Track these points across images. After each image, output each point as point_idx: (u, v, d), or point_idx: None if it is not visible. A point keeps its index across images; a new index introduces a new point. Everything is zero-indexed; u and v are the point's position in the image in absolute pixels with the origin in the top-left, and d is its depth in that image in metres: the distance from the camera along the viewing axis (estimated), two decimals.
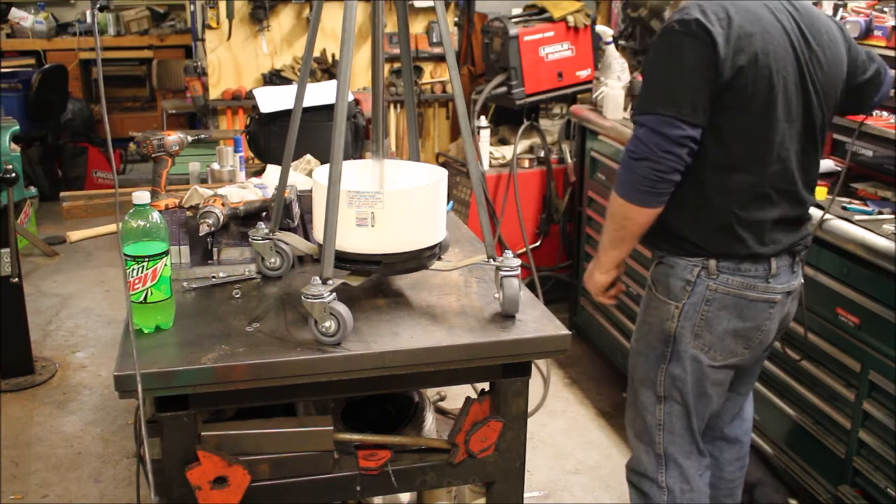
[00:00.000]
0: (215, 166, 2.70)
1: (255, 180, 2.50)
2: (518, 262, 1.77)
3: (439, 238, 1.83)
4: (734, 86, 1.80)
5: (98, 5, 1.40)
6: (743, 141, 1.86)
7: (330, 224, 1.63)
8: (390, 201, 1.70)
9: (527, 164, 4.20)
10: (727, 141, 1.85)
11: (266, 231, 1.94)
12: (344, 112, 1.64)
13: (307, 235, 2.12)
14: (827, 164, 2.64)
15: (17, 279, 3.51)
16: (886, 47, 2.56)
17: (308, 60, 1.89)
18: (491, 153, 4.18)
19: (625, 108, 3.61)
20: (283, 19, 4.56)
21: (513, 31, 4.03)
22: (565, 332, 1.72)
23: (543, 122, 4.44)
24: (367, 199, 1.69)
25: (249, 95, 4.34)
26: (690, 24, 1.77)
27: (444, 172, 1.86)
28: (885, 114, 2.51)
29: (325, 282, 1.64)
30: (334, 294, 1.62)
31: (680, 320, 1.97)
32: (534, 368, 1.85)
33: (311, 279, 1.63)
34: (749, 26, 1.79)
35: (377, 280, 1.95)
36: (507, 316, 1.76)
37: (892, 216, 2.29)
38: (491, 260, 1.82)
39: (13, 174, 3.32)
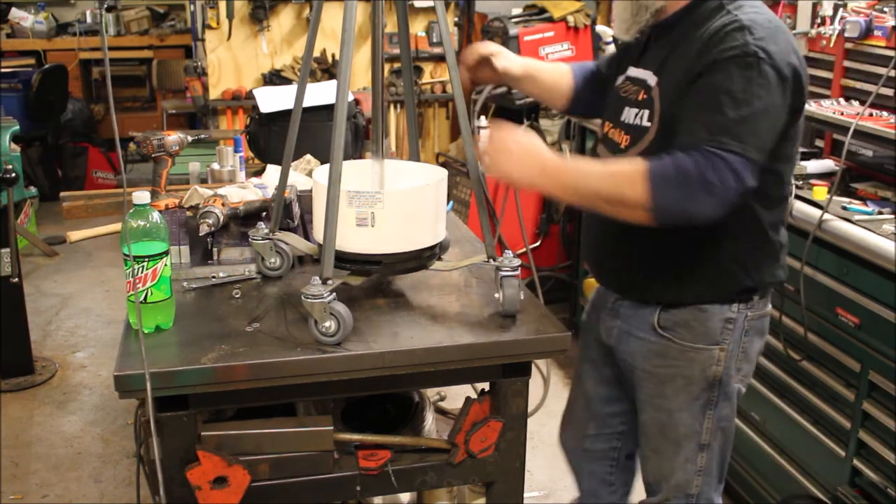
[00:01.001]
0: (215, 166, 2.70)
1: (255, 180, 2.50)
2: (518, 261, 1.77)
3: (439, 238, 1.82)
4: (796, 124, 1.73)
5: (105, 5, 1.40)
6: (790, 172, 1.81)
7: (330, 224, 1.63)
8: (390, 201, 1.70)
9: None
10: (784, 176, 1.78)
11: (266, 231, 1.94)
12: (344, 112, 1.64)
13: (307, 235, 2.12)
14: (826, 164, 2.64)
15: (17, 279, 3.51)
16: (886, 47, 2.56)
17: (308, 60, 1.90)
18: None
19: None
20: (283, 19, 4.56)
21: (513, 31, 4.03)
22: (565, 332, 1.72)
23: (543, 122, 4.44)
24: (367, 199, 1.69)
25: (249, 95, 4.34)
26: (783, 66, 1.60)
27: (444, 172, 1.86)
28: (885, 114, 2.51)
29: (324, 282, 1.64)
30: (334, 294, 1.62)
31: (726, 361, 1.83)
32: (534, 368, 1.85)
33: (310, 279, 1.63)
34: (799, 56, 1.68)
35: (377, 280, 1.95)
36: (506, 316, 1.76)
37: (892, 216, 2.29)
38: (491, 260, 1.81)
39: (13, 174, 3.32)
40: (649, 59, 1.81)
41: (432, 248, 1.80)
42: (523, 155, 1.66)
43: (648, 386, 1.90)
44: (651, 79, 1.76)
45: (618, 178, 1.61)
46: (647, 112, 1.75)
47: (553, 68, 2.13)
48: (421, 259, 1.78)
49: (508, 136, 1.67)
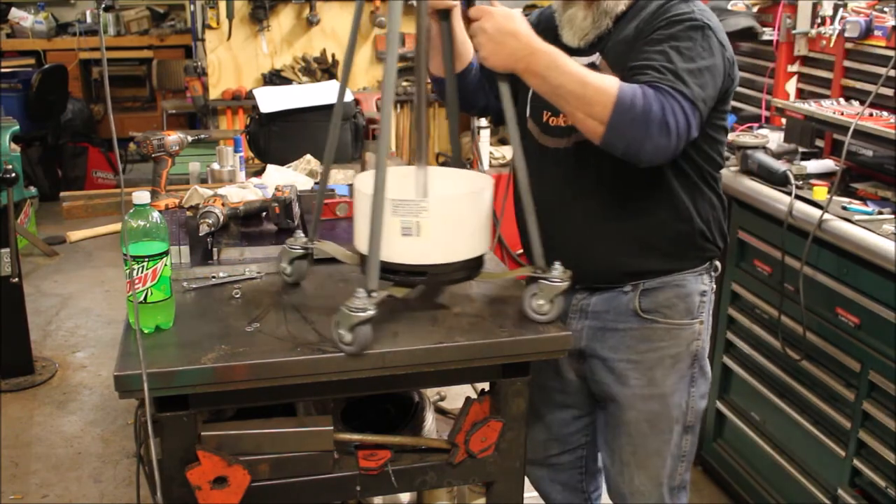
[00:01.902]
0: (215, 166, 2.70)
1: (255, 180, 2.50)
2: (569, 273, 1.73)
3: (485, 247, 1.76)
4: (727, 101, 1.82)
5: (103, 5, 1.39)
6: (724, 145, 1.90)
7: (375, 234, 1.56)
8: (436, 210, 1.63)
9: None
10: (720, 146, 1.87)
11: (304, 240, 1.88)
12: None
13: (307, 235, 2.11)
14: (826, 164, 2.64)
15: (17, 279, 3.51)
16: (886, 47, 2.56)
17: (349, 62, 1.82)
18: (491, 153, 4.18)
19: None
20: (283, 19, 4.55)
21: None
22: (565, 332, 1.72)
23: None
24: (411, 207, 1.62)
25: (249, 95, 4.34)
26: (723, 38, 1.73)
27: (489, 180, 1.79)
28: (885, 114, 2.51)
29: (369, 294, 1.57)
30: (376, 309, 1.57)
31: (703, 334, 1.91)
32: None
33: (355, 290, 1.56)
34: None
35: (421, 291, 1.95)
36: (506, 316, 1.76)
37: (892, 216, 2.29)
38: (539, 271, 1.74)
39: (13, 174, 3.32)
40: (584, 49, 1.81)
41: (479, 258, 1.73)
42: (517, 34, 1.67)
43: (635, 376, 1.90)
44: (596, 59, 1.79)
45: (589, 88, 1.60)
46: None
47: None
48: (468, 269, 1.71)
49: (503, 16, 1.70)
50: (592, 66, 1.77)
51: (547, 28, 1.86)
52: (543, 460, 2.18)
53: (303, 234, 1.89)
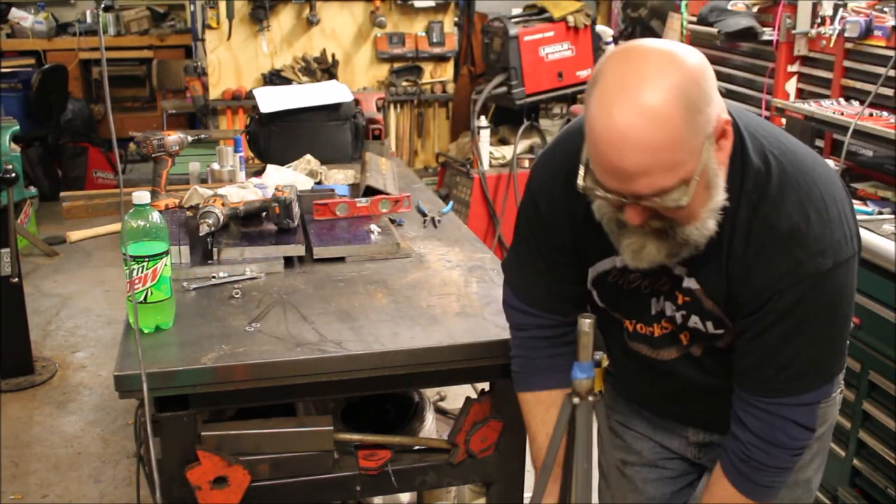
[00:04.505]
0: (215, 166, 2.70)
1: (255, 180, 2.50)
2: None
3: None
4: None
5: (102, 5, 1.39)
6: None
7: None
8: None
9: (527, 164, 4.20)
10: None
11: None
12: None
13: (307, 235, 2.12)
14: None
15: (17, 279, 3.51)
16: (886, 47, 2.56)
17: None
18: (491, 153, 4.18)
19: None
20: (283, 19, 4.55)
21: (513, 31, 4.03)
22: None
23: (543, 122, 4.44)
24: None
25: (249, 95, 4.34)
26: (851, 262, 1.30)
27: None
28: (884, 114, 2.51)
29: None
30: None
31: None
32: None
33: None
34: None
35: (376, 279, 1.95)
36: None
37: (892, 216, 2.29)
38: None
39: (13, 174, 3.32)
40: None
41: None
42: None
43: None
44: (688, 280, 1.37)
45: None
46: (696, 317, 1.40)
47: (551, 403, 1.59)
48: None
49: None
50: (677, 283, 1.38)
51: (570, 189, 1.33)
52: None
53: None
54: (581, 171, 1.25)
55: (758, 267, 1.28)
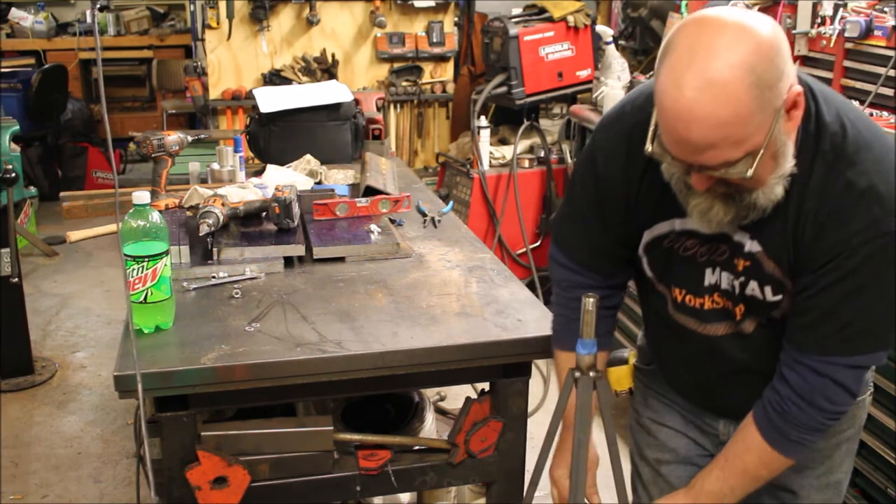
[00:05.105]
0: (215, 166, 2.70)
1: (255, 180, 2.50)
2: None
3: None
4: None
5: (98, 5, 1.39)
6: None
7: None
8: None
9: (527, 164, 4.20)
10: None
11: None
12: None
13: (307, 235, 2.12)
14: None
15: (17, 279, 3.51)
16: (886, 47, 2.56)
17: None
18: (491, 153, 4.18)
19: None
20: (283, 19, 4.55)
21: (513, 31, 4.03)
22: None
23: (543, 122, 4.44)
24: None
25: (249, 95, 4.34)
26: None
27: None
28: (885, 114, 2.51)
29: None
30: None
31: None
32: (534, 368, 1.85)
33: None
34: None
35: (376, 279, 1.95)
36: (506, 316, 1.76)
37: None
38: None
39: (13, 174, 3.32)
40: None
41: None
42: None
43: (813, 465, 1.59)
44: (749, 244, 1.37)
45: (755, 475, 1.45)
46: (755, 283, 1.39)
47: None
48: None
49: None
50: (738, 249, 1.37)
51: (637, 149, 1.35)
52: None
53: None
54: (650, 135, 1.26)
55: (831, 224, 1.27)
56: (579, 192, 1.53)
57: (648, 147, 1.26)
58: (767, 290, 1.37)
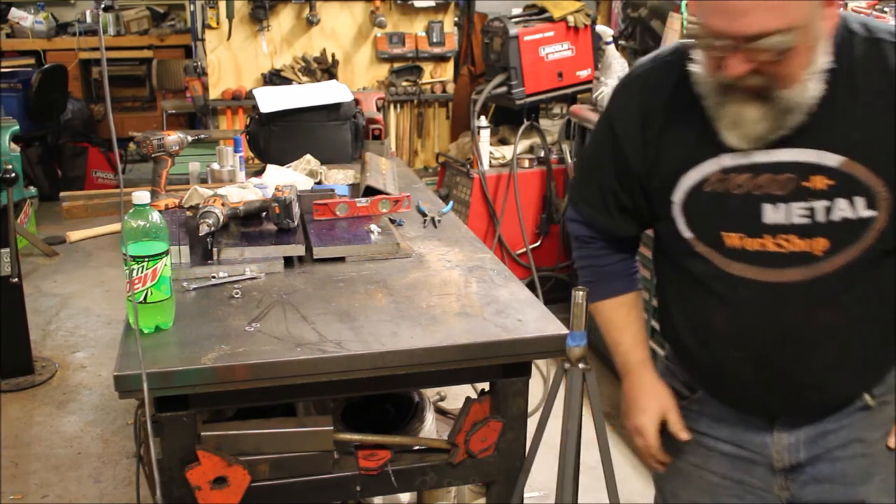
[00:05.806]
0: (215, 166, 2.70)
1: (255, 180, 2.50)
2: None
3: None
4: None
5: (103, 5, 1.39)
6: None
7: None
8: None
9: (527, 164, 4.20)
10: None
11: None
12: None
13: (307, 235, 2.12)
14: None
15: (17, 279, 3.51)
16: None
17: None
18: (491, 153, 4.18)
19: None
20: (283, 19, 4.55)
21: (513, 31, 4.03)
22: (565, 332, 1.72)
23: (543, 122, 4.44)
24: None
25: (249, 95, 4.34)
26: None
27: None
28: None
29: None
30: None
31: None
32: (534, 368, 1.85)
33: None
34: None
35: (376, 279, 1.95)
36: (506, 316, 1.76)
37: None
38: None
39: (13, 174, 3.33)
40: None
41: None
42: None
43: (876, 470, 1.48)
44: (817, 156, 1.29)
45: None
46: (845, 201, 1.30)
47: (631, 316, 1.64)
48: None
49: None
50: (811, 170, 1.29)
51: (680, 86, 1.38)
52: None
53: None
54: (694, 27, 1.31)
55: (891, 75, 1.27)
56: (595, 159, 1.57)
57: (690, 31, 1.31)
58: (859, 203, 1.29)
